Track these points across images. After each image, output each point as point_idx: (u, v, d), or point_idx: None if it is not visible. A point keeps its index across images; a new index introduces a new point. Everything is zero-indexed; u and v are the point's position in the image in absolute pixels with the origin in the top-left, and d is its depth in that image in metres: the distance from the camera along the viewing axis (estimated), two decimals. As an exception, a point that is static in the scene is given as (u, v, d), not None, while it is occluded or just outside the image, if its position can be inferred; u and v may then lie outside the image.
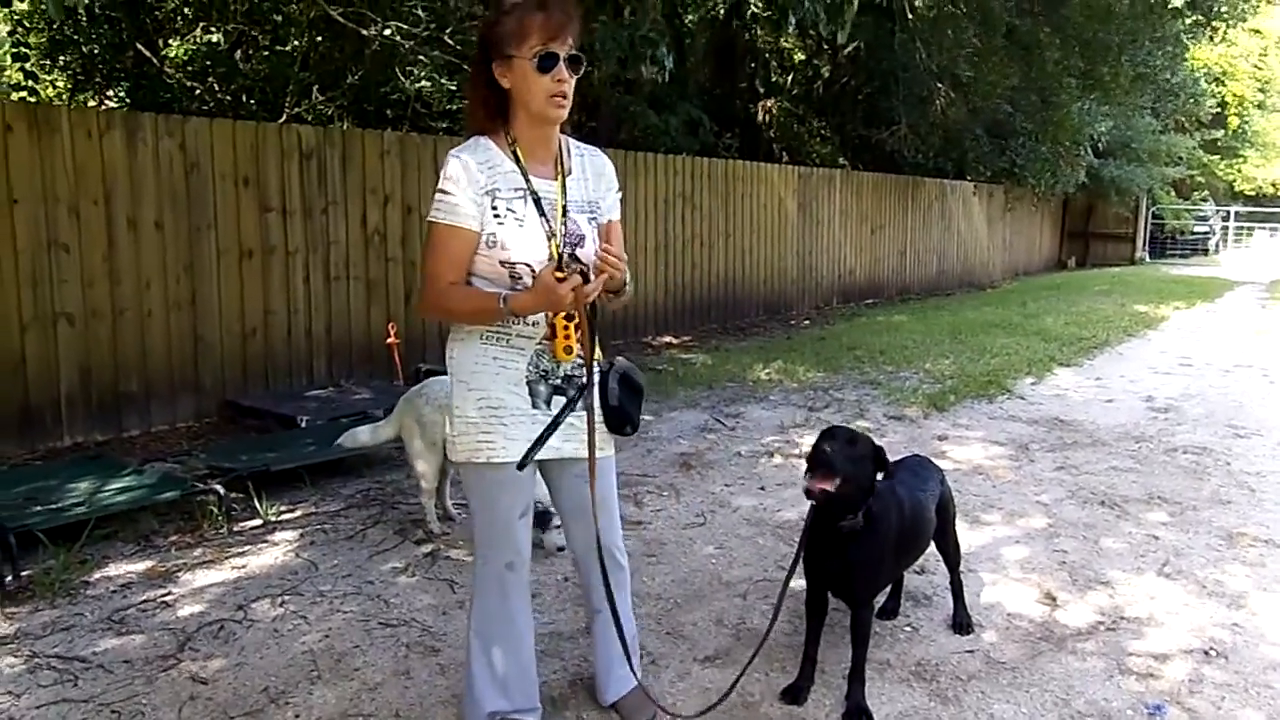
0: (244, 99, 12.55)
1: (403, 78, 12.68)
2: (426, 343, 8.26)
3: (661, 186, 11.43)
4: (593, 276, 2.57)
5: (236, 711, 3.17)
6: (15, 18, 11.58)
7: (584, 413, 2.76)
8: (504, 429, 2.69)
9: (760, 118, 18.28)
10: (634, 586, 4.11)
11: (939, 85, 16.58)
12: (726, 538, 4.79)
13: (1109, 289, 18.22)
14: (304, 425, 6.36)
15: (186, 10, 12.79)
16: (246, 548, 4.62)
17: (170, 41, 12.93)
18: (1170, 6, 14.49)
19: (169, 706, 3.20)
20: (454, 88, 13.24)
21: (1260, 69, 30.65)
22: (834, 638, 3.49)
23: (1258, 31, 27.78)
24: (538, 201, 2.66)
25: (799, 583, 3.35)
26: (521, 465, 2.70)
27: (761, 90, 18.75)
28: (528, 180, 2.67)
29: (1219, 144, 31.14)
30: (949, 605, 3.89)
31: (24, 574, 4.14)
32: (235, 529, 4.84)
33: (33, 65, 11.52)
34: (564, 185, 2.74)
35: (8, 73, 12.78)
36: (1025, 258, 23.53)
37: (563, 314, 2.65)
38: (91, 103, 11.91)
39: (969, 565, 4.23)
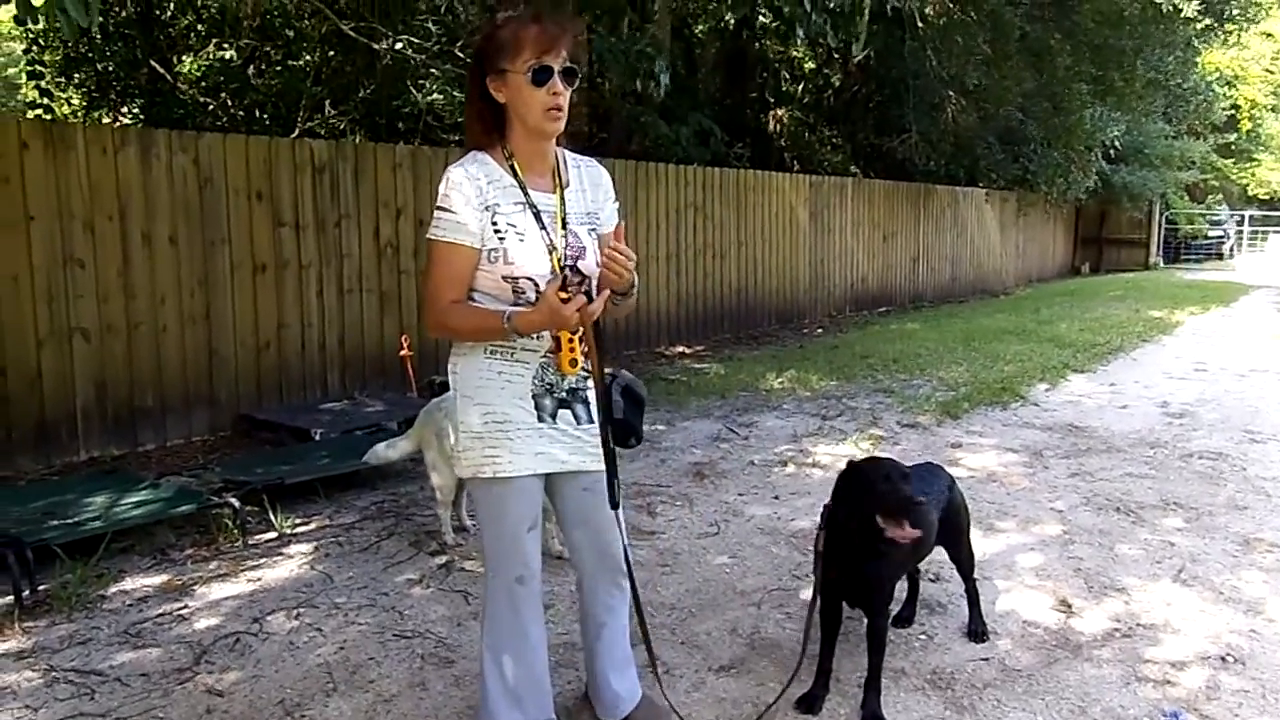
0: (257, 114, 12.65)
1: (414, 91, 12.76)
2: (440, 355, 8.26)
3: (673, 196, 11.44)
4: (594, 291, 2.57)
5: (252, 724, 3.18)
6: (30, 35, 11.69)
7: (589, 425, 2.77)
8: (510, 443, 2.69)
9: (771, 127, 18.31)
10: (647, 596, 4.14)
11: (950, 93, 16.56)
12: (740, 547, 4.79)
13: (1123, 294, 18.15)
14: (318, 438, 6.38)
15: (200, 27, 12.91)
16: (262, 560, 4.64)
17: (184, 58, 13.05)
18: (1182, 14, 14.45)
19: None
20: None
21: (1272, 72, 30.52)
22: (849, 646, 3.48)
23: (1269, 35, 27.69)
24: (537, 215, 2.67)
25: (810, 592, 3.34)
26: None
27: (772, 100, 18.77)
28: (527, 194, 2.67)
29: (1233, 147, 31.02)
30: (964, 613, 3.87)
31: (41, 588, 4.16)
32: (250, 542, 4.86)
33: (48, 83, 11.63)
34: (563, 197, 2.75)
35: (23, 90, 12.90)
36: (1038, 264, 23.45)
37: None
38: (106, 119, 12.01)
39: (983, 573, 4.21)
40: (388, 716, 3.22)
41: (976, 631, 3.76)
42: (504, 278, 2.63)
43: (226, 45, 13.12)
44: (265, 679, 3.48)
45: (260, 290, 7.27)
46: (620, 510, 2.91)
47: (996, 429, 7.25)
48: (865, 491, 3.08)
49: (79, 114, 12.34)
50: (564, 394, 2.76)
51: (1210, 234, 31.19)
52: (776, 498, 5.59)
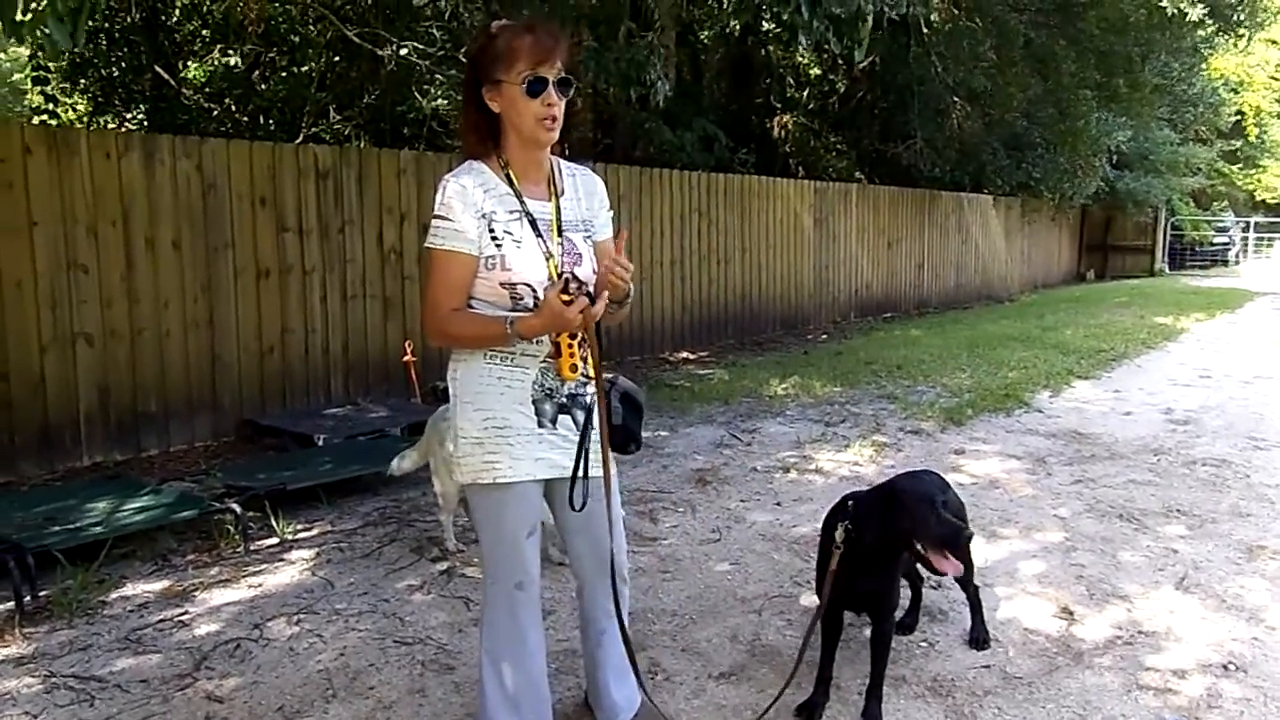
0: (261, 120, 12.68)
1: (419, 96, 12.78)
2: (443, 360, 8.21)
3: (677, 202, 11.45)
4: (594, 294, 2.58)
5: (251, 730, 3.18)
6: (36, 42, 11.71)
7: (588, 430, 2.77)
8: (510, 449, 2.69)
9: (776, 133, 18.30)
10: (648, 603, 4.14)
11: (955, 99, 16.57)
12: (742, 553, 4.78)
13: (1128, 301, 18.12)
14: (321, 444, 6.39)
15: (205, 33, 12.94)
16: (263, 566, 4.64)
17: (189, 64, 13.08)
18: (1188, 19, 14.44)
19: (184, 725, 3.21)
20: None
21: (1277, 79, 30.46)
22: (848, 653, 3.48)
23: (1275, 42, 27.62)
24: (533, 223, 2.69)
25: (812, 599, 3.33)
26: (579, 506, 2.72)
27: (777, 105, 18.79)
28: (522, 202, 2.69)
29: (1239, 153, 30.95)
30: (966, 620, 3.86)
31: (42, 594, 4.17)
32: (252, 548, 4.86)
33: (53, 88, 11.66)
34: (558, 205, 2.76)
35: (29, 96, 12.95)
36: (1043, 270, 23.44)
37: (567, 333, 2.66)
38: (112, 125, 12.04)
39: (985, 580, 4.21)
40: (387, 723, 3.22)
41: (978, 639, 3.75)
42: (502, 284, 2.64)
43: (231, 51, 13.16)
44: (265, 685, 3.48)
45: (264, 295, 7.29)
46: (620, 517, 2.92)
47: (1000, 435, 7.24)
48: (914, 519, 2.98)
49: (84, 119, 12.37)
50: (564, 399, 2.76)
51: (1216, 240, 31.13)
52: (778, 504, 5.58)
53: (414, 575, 4.52)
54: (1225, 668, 3.57)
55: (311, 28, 12.43)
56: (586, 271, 2.71)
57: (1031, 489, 5.85)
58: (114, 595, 4.29)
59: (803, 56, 18.24)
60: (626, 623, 2.90)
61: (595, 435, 2.77)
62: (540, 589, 2.89)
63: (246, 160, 7.17)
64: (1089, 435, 7.22)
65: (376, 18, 11.20)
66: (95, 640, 3.85)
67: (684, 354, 11.37)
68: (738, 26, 16.56)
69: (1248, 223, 32.93)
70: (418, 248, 8.26)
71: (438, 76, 12.11)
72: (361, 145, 12.23)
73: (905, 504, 3.01)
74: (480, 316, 2.66)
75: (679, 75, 13.65)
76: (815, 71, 19.42)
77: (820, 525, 3.39)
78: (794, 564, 4.60)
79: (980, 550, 4.21)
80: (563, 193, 2.80)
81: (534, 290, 2.64)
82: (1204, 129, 26.19)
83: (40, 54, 11.89)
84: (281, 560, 4.73)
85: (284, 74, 13.22)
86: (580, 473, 2.73)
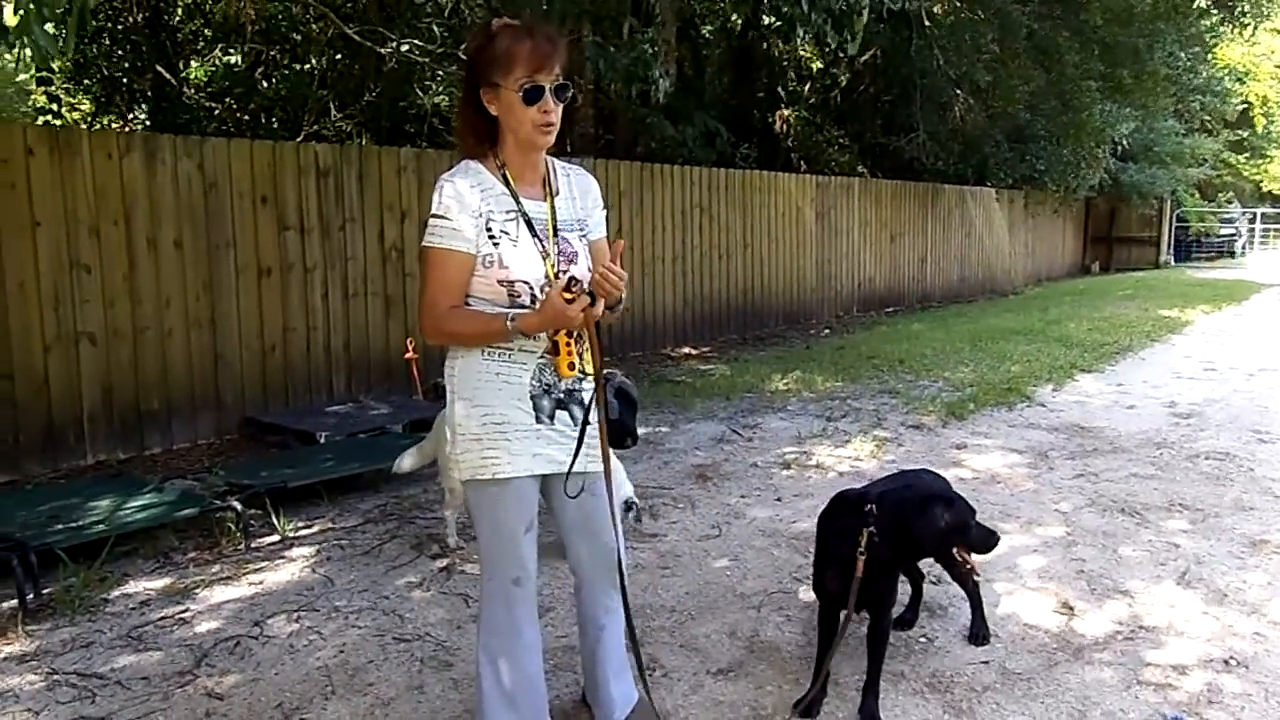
0: (263, 118, 12.68)
1: (420, 94, 12.77)
2: (445, 358, 8.27)
3: (679, 197, 11.44)
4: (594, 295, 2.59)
5: (251, 728, 3.19)
6: (24, 48, 11.73)
7: (585, 426, 2.77)
8: (508, 444, 2.70)
9: (778, 127, 18.26)
10: (647, 599, 4.14)
11: (958, 91, 16.54)
12: (741, 549, 4.78)
13: (1132, 293, 18.08)
14: (323, 441, 6.40)
15: (206, 32, 12.94)
16: (264, 564, 4.66)
17: (190, 63, 13.08)
18: (1195, 5, 14.37)
19: (184, 723, 3.23)
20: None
21: (1283, 69, 30.40)
22: (846, 650, 3.47)
23: (1279, 32, 27.54)
24: (529, 223, 2.70)
25: (809, 595, 3.34)
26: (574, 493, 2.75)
27: (779, 100, 18.74)
28: (519, 202, 2.70)
29: (1245, 143, 30.86)
30: (965, 616, 3.86)
31: (45, 592, 4.18)
32: (253, 545, 4.87)
33: (57, 88, 11.68)
34: (553, 205, 2.78)
35: (34, 97, 12.97)
36: (1048, 263, 23.38)
37: (565, 331, 2.67)
38: (115, 124, 12.06)
39: (985, 575, 4.19)
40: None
41: (978, 634, 3.74)
42: (500, 281, 2.66)
43: (232, 50, 13.15)
44: (265, 682, 3.49)
45: (265, 294, 7.30)
46: (618, 513, 2.92)
47: (1002, 430, 7.23)
48: (953, 525, 3.12)
49: (87, 120, 12.39)
50: (561, 394, 2.77)
51: (1222, 232, 31.01)
52: (779, 500, 5.59)
53: (414, 572, 4.53)
54: (1226, 663, 3.57)
55: (312, 26, 12.42)
56: (581, 270, 2.72)
57: (1033, 483, 5.84)
58: (116, 593, 4.31)
59: (804, 50, 18.19)
60: (620, 621, 2.91)
61: (591, 429, 2.78)
62: (537, 585, 2.89)
63: (248, 159, 7.17)
64: (1091, 429, 7.21)
65: (377, 15, 11.19)
66: (97, 637, 3.87)
67: (686, 349, 11.37)
68: (739, 21, 16.53)
69: (1254, 214, 32.87)
70: (419, 245, 8.23)
71: (439, 73, 12.11)
72: (362, 143, 12.23)
73: (951, 514, 3.13)
74: (479, 313, 2.67)
75: (680, 70, 13.63)
76: (817, 65, 19.37)
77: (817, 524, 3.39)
78: (793, 560, 4.60)
79: (980, 545, 4.20)
80: (558, 192, 2.81)
81: (530, 288, 2.65)
82: (1210, 119, 26.10)
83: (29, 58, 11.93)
84: (282, 558, 4.74)
85: (285, 72, 13.21)
86: (574, 463, 2.74)
